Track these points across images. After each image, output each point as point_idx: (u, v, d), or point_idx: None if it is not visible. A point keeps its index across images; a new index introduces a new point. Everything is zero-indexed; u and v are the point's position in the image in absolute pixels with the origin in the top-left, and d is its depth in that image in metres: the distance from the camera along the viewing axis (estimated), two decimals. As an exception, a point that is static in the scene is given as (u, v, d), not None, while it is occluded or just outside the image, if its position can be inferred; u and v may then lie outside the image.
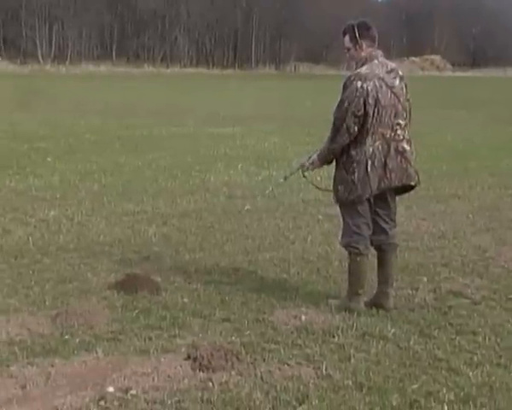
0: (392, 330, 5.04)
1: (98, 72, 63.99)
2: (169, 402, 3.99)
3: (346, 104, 5.19)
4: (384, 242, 5.50)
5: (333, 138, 5.31)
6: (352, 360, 4.55)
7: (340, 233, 5.57)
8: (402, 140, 5.31)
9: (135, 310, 5.36)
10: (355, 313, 5.32)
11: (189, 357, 4.50)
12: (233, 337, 4.88)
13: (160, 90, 40.11)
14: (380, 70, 5.26)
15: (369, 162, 5.22)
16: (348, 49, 5.41)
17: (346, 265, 5.61)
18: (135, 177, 11.48)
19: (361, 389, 4.16)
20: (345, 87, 5.25)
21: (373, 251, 5.55)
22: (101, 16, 74.13)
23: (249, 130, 18.93)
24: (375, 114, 5.18)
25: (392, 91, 5.25)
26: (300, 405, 3.98)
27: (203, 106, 27.60)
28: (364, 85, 5.16)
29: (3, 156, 13.34)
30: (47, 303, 5.50)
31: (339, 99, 5.28)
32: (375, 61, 5.29)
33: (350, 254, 5.45)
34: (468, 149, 15.98)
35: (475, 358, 4.63)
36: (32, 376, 4.27)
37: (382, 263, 5.55)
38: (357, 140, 5.24)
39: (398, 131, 5.28)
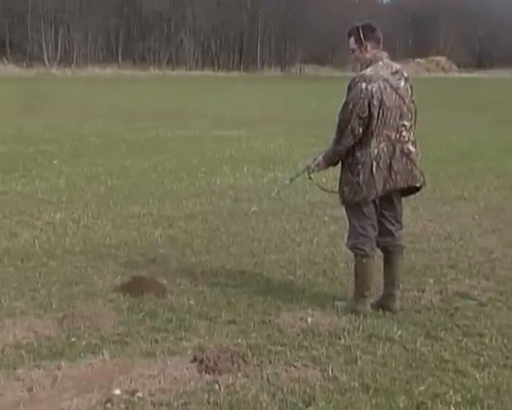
0: (399, 332, 5.04)
1: (104, 75, 64.08)
2: (175, 404, 3.99)
3: (350, 106, 5.19)
4: (390, 243, 5.49)
5: (338, 140, 5.31)
6: (359, 362, 4.54)
7: (346, 235, 5.57)
8: (407, 142, 5.30)
9: (141, 312, 5.36)
10: (361, 315, 5.31)
11: (195, 359, 4.50)
12: (239, 339, 4.88)
13: (166, 92, 40.14)
14: (384, 71, 5.26)
15: (374, 164, 5.22)
16: (353, 51, 5.41)
17: (352, 267, 5.60)
18: (141, 179, 11.50)
19: (367, 391, 4.15)
20: (349, 89, 5.25)
21: (379, 253, 5.54)
22: (107, 19, 74.22)
23: (255, 132, 18.93)
24: (380, 116, 5.18)
25: (397, 93, 5.25)
26: (307, 407, 3.98)
27: (209, 108, 27.62)
28: (369, 87, 5.16)
29: (9, 159, 13.38)
30: (53, 306, 5.51)
31: (343, 101, 5.28)
32: (380, 63, 5.29)
33: (356, 255, 5.45)
34: (473, 150, 15.96)
35: (482, 359, 4.62)
36: (38, 378, 4.28)
37: (388, 265, 5.54)
38: (362, 142, 5.23)
39: (404, 133, 5.28)
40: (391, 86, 5.23)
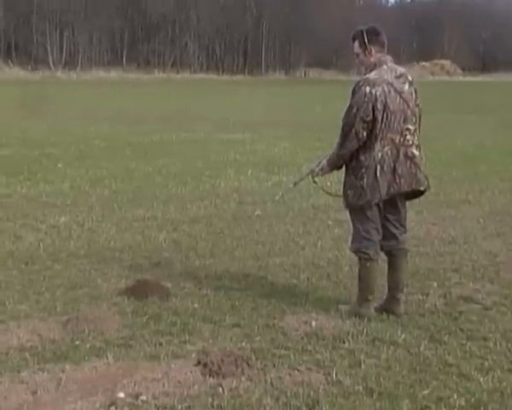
0: (403, 336, 5.03)
1: (108, 78, 64.15)
2: (179, 408, 3.99)
3: (354, 110, 5.20)
4: (394, 247, 5.49)
5: (342, 144, 5.32)
6: (363, 366, 4.54)
7: (350, 239, 5.57)
8: (411, 145, 5.30)
9: (145, 316, 5.37)
10: (365, 319, 5.31)
11: (199, 363, 4.50)
12: (243, 343, 4.88)
13: (171, 95, 40.19)
14: (388, 75, 5.26)
15: (378, 167, 5.22)
16: (357, 55, 5.41)
17: (356, 270, 5.60)
18: (145, 183, 11.51)
19: (371, 395, 4.15)
20: (353, 93, 5.25)
21: (383, 256, 5.54)
22: (112, 21, 74.24)
23: (259, 135, 18.95)
24: (384, 120, 5.18)
25: (401, 96, 5.25)
26: (310, 411, 3.98)
27: (213, 112, 27.64)
28: (373, 91, 5.17)
29: (14, 162, 13.41)
30: (58, 309, 5.52)
31: (347, 105, 5.29)
32: (384, 67, 5.29)
33: (360, 259, 5.45)
34: (478, 153, 15.95)
35: (486, 363, 4.62)
36: (42, 382, 4.29)
37: (392, 268, 5.54)
38: (366, 145, 5.24)
39: (408, 137, 5.28)
40: (395, 90, 5.24)
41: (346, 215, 5.78)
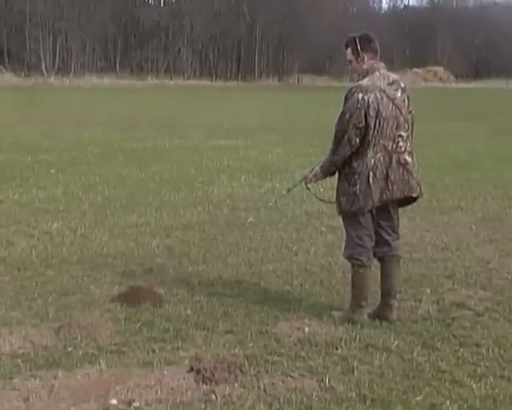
0: (396, 342, 5.04)
1: (102, 84, 64.04)
2: (172, 415, 3.99)
3: (347, 116, 5.21)
4: (387, 253, 5.50)
5: (334, 150, 5.33)
6: (356, 372, 4.55)
7: (343, 245, 5.58)
8: (404, 152, 5.32)
9: (138, 322, 5.36)
10: (358, 325, 5.31)
11: (192, 369, 4.50)
12: (236, 350, 4.88)
13: (164, 102, 40.16)
14: (381, 82, 5.28)
15: (371, 174, 5.23)
16: (350, 62, 5.43)
17: (349, 277, 5.60)
18: (138, 189, 11.50)
19: (364, 402, 4.15)
20: (346, 99, 5.27)
21: (376, 263, 5.55)
22: (105, 28, 74.16)
23: (252, 142, 18.95)
24: (377, 126, 5.19)
25: (393, 103, 5.26)
26: (303, 417, 3.98)
27: (206, 118, 27.64)
28: (365, 97, 5.18)
29: (7, 168, 13.37)
30: (50, 316, 5.51)
31: (340, 111, 5.30)
32: (377, 74, 5.31)
33: (353, 265, 5.45)
34: (471, 160, 15.98)
35: (479, 370, 4.63)
36: (35, 388, 4.27)
37: (385, 275, 5.55)
38: (359, 152, 5.25)
39: (400, 143, 5.29)
40: (387, 97, 5.25)
41: (339, 222, 5.80)
